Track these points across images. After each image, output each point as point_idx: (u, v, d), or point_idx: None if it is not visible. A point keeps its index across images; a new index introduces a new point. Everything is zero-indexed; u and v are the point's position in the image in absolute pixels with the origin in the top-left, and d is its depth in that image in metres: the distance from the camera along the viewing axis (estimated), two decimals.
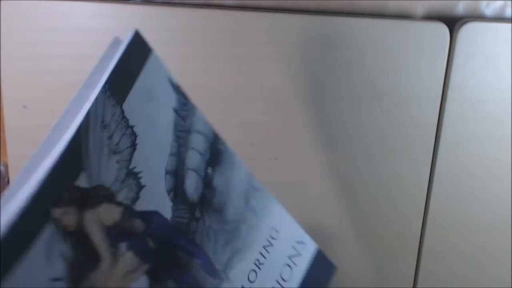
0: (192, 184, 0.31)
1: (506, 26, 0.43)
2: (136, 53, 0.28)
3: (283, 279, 0.36)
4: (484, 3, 0.44)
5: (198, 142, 0.32)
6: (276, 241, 0.36)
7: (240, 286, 0.34)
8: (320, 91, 0.44)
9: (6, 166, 0.46)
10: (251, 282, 0.34)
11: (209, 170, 0.32)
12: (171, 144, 0.30)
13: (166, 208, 0.30)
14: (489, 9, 0.44)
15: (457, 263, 0.49)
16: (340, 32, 0.43)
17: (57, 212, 0.22)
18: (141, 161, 0.28)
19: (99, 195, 0.25)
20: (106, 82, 0.26)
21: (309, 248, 0.37)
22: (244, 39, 0.43)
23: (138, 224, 0.28)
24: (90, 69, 0.45)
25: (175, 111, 0.30)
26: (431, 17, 0.44)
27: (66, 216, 0.22)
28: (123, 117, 0.27)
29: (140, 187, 0.28)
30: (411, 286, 0.50)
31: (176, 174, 0.30)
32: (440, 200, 0.47)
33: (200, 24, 0.43)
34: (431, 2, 0.44)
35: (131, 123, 0.27)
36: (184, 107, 0.31)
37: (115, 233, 0.26)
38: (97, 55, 0.43)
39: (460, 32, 0.42)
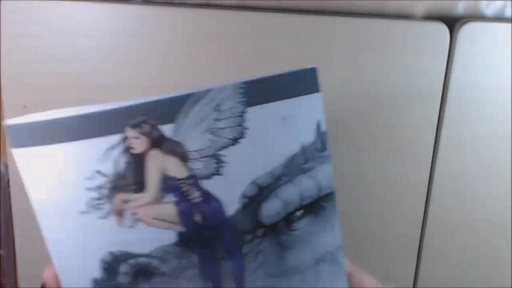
0: (271, 210, 0.33)
1: (506, 26, 0.43)
2: (302, 82, 0.31)
3: None
4: (484, 3, 0.44)
5: (306, 185, 0.33)
6: None
7: None
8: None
9: (6, 166, 0.46)
10: None
11: (299, 213, 0.33)
12: (278, 167, 0.32)
13: (231, 206, 0.32)
14: (489, 9, 0.44)
15: (457, 263, 0.49)
16: (340, 32, 0.43)
17: (130, 132, 0.28)
18: (235, 156, 0.31)
19: (174, 149, 0.29)
20: (247, 82, 0.29)
21: None
22: (244, 39, 0.43)
23: (195, 195, 0.31)
24: (90, 69, 0.45)
25: (302, 148, 0.32)
26: (431, 17, 0.44)
27: (135, 140, 0.29)
28: (241, 116, 0.30)
29: (217, 173, 0.31)
30: (411, 286, 0.50)
31: (263, 190, 0.32)
32: (440, 200, 0.47)
33: (200, 24, 0.43)
34: (431, 2, 0.44)
35: (246, 125, 0.30)
36: (314, 153, 0.32)
37: (171, 184, 0.30)
38: (97, 55, 0.43)
39: (460, 32, 0.42)
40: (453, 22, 0.43)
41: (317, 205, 0.34)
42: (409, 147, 0.45)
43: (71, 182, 0.29)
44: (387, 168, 0.46)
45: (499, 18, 0.44)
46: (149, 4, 0.43)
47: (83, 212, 0.30)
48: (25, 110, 0.44)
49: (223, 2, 0.44)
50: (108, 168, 0.29)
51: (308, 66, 0.30)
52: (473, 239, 0.48)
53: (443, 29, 0.42)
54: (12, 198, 0.47)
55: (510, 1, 0.44)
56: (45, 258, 0.50)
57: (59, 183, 0.30)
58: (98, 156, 0.29)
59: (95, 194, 0.30)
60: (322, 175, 0.33)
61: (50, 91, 0.44)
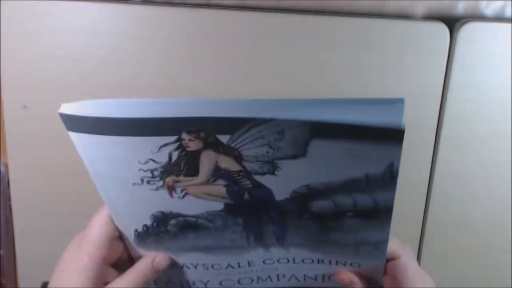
0: (321, 206, 0.32)
1: (506, 26, 0.43)
2: (385, 135, 0.27)
3: None
4: (484, 3, 0.44)
5: (363, 200, 0.32)
6: None
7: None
8: (320, 90, 0.44)
9: (6, 166, 0.46)
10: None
11: (350, 214, 0.33)
12: (335, 182, 0.31)
13: (281, 196, 0.32)
14: (489, 9, 0.44)
15: (457, 263, 0.49)
16: (340, 32, 0.43)
17: (185, 136, 0.29)
18: (291, 166, 0.30)
19: (229, 151, 0.30)
20: (320, 124, 0.27)
21: None
22: (244, 39, 0.43)
23: (246, 183, 0.32)
24: (89, 69, 0.45)
25: (367, 175, 0.30)
26: (431, 17, 0.44)
27: (190, 141, 0.29)
28: (306, 143, 0.28)
29: (271, 173, 0.31)
30: None
31: (315, 193, 0.32)
32: (440, 200, 0.47)
33: (200, 24, 0.43)
34: (431, 2, 0.44)
35: (308, 149, 0.29)
36: (380, 181, 0.30)
37: (223, 174, 0.31)
38: (97, 55, 0.43)
39: (460, 32, 0.42)
40: (453, 22, 0.43)
41: (372, 214, 0.33)
42: (409, 147, 0.45)
43: (126, 164, 0.30)
44: None
45: (499, 18, 0.44)
46: (149, 4, 0.43)
47: (135, 184, 0.32)
48: (25, 110, 0.44)
49: (223, 2, 0.44)
50: (162, 158, 0.30)
51: (396, 126, 0.26)
52: (473, 239, 0.48)
53: (443, 29, 0.42)
54: (12, 198, 0.47)
55: (510, 1, 0.44)
56: (45, 258, 0.50)
57: (114, 163, 0.31)
58: (152, 149, 0.29)
59: (148, 174, 0.31)
60: (383, 197, 0.31)
61: (50, 91, 0.44)
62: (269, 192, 0.32)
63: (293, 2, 0.44)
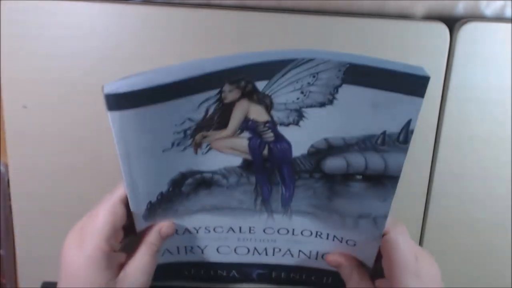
0: (334, 164, 0.35)
1: (506, 26, 0.43)
2: (410, 83, 0.31)
3: None
4: (484, 3, 0.44)
5: (375, 161, 0.34)
6: None
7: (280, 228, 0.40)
8: None
9: (6, 166, 0.46)
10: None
11: (358, 177, 0.36)
12: (353, 138, 0.34)
13: (298, 151, 0.35)
14: (489, 9, 0.44)
15: (457, 263, 0.49)
16: (340, 32, 0.43)
17: (226, 87, 0.31)
18: (316, 116, 0.33)
19: (262, 99, 0.32)
20: (354, 65, 0.30)
21: None
22: (244, 39, 0.43)
23: (269, 135, 0.34)
24: (90, 69, 0.45)
25: (383, 133, 0.33)
26: (431, 17, 0.44)
27: (229, 93, 0.31)
28: (336, 88, 0.31)
29: (295, 123, 0.34)
30: None
31: (332, 149, 0.34)
32: (440, 200, 0.47)
33: (200, 24, 0.43)
34: (431, 2, 0.44)
35: (336, 96, 0.32)
36: (395, 141, 0.33)
37: (250, 125, 0.34)
38: (97, 55, 0.43)
39: (460, 32, 0.42)
40: (453, 22, 0.43)
41: (379, 180, 0.35)
42: (409, 147, 0.45)
43: (161, 130, 0.33)
44: None
45: (499, 18, 0.44)
46: (149, 4, 0.43)
47: (165, 150, 0.34)
48: (25, 110, 0.44)
49: (223, 2, 0.44)
50: (199, 115, 0.32)
51: (422, 73, 0.31)
52: (473, 239, 0.48)
53: (443, 29, 0.42)
54: (12, 198, 0.47)
55: (510, 1, 0.44)
56: (45, 258, 0.50)
57: (150, 133, 0.33)
58: (193, 108, 0.32)
59: (180, 135, 0.33)
60: (394, 160, 0.34)
61: (50, 91, 0.44)
62: (288, 147, 0.35)
63: (293, 2, 0.44)
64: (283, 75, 0.31)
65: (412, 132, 0.32)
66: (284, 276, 0.44)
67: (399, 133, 0.33)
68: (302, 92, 0.32)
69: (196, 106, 0.32)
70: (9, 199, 0.47)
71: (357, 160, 0.35)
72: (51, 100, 0.44)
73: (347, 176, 0.35)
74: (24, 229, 0.48)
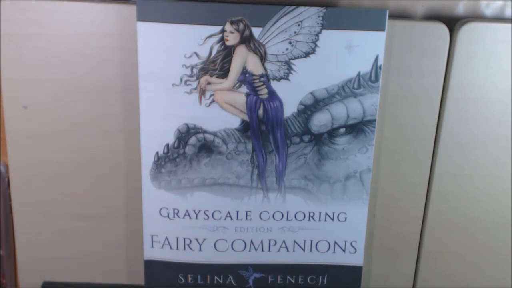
0: (320, 120, 0.40)
1: (506, 26, 0.43)
2: (372, 19, 0.38)
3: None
4: (484, 3, 0.44)
5: (354, 107, 0.40)
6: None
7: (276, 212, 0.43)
8: None
9: (6, 166, 0.46)
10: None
11: (342, 130, 0.41)
12: (334, 86, 0.40)
13: (289, 109, 0.40)
14: (489, 9, 0.44)
15: (457, 263, 0.49)
16: None
17: (228, 26, 0.38)
18: (303, 67, 0.39)
19: (257, 48, 0.38)
20: (328, 8, 0.38)
21: None
22: None
23: (263, 92, 0.39)
24: (90, 69, 0.45)
25: (359, 75, 0.39)
26: (431, 17, 0.44)
27: (230, 34, 0.38)
28: (316, 35, 0.38)
29: (285, 77, 0.39)
30: (411, 286, 0.50)
31: (318, 103, 0.40)
32: (440, 200, 0.47)
33: None
34: (431, 2, 0.44)
35: (318, 44, 0.38)
36: (368, 82, 0.40)
37: (247, 78, 0.39)
38: (97, 55, 0.43)
39: (460, 32, 0.42)
40: (453, 22, 0.43)
41: (359, 128, 0.41)
42: (409, 147, 0.45)
43: (174, 58, 0.38)
44: (387, 168, 0.46)
45: (499, 18, 0.44)
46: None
47: (174, 85, 0.39)
48: (25, 110, 0.44)
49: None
50: (205, 52, 0.38)
51: (381, 13, 0.38)
52: (473, 239, 0.48)
53: (443, 29, 0.42)
54: (12, 198, 0.47)
55: (510, 1, 0.44)
56: (45, 258, 0.50)
57: (164, 58, 0.38)
58: (200, 40, 0.38)
59: (188, 71, 0.39)
60: (369, 102, 0.40)
61: (50, 91, 0.44)
62: (280, 106, 0.40)
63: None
64: (274, 23, 0.37)
65: (380, 67, 0.39)
66: (280, 281, 0.44)
67: (371, 71, 0.39)
68: (290, 43, 0.38)
69: (202, 40, 0.38)
70: (9, 199, 0.47)
71: (339, 110, 0.40)
72: (51, 100, 0.44)
73: (332, 133, 0.41)
74: (24, 229, 0.48)
